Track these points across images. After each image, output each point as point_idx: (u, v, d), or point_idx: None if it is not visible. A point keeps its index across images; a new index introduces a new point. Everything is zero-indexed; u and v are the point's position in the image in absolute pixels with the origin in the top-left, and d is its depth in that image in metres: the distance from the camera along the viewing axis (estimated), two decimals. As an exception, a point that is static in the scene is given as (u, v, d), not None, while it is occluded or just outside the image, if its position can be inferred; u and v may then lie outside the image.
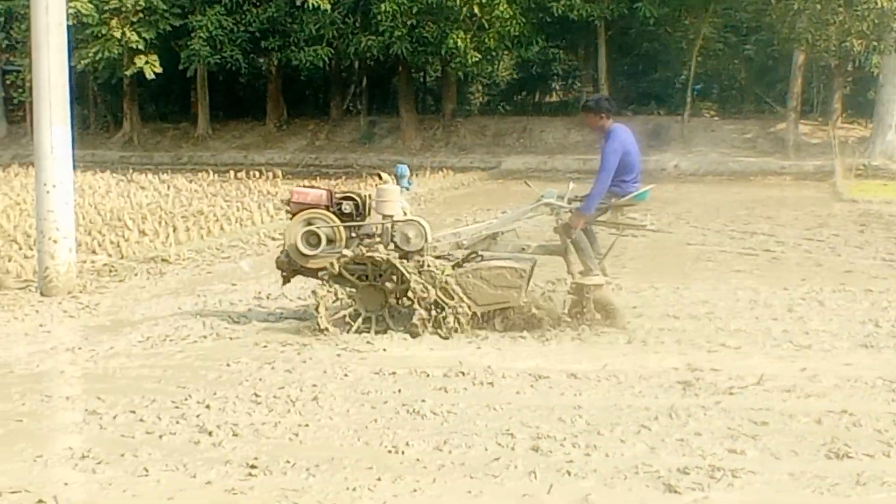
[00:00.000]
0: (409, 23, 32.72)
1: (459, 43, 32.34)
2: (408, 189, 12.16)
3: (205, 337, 10.93)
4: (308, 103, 41.15)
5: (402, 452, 7.23)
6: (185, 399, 8.57)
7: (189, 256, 16.14)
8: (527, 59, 39.52)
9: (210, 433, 7.70)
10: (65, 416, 8.32)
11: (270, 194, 25.06)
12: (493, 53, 35.38)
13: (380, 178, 11.75)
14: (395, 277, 10.63)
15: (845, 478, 6.84)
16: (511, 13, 32.35)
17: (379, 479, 6.72)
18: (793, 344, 10.61)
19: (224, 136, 40.27)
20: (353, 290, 10.79)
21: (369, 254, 10.56)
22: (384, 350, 10.26)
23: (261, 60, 37.02)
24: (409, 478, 6.74)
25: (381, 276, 10.66)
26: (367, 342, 10.54)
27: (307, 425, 7.87)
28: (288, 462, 7.04)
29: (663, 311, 11.97)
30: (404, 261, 10.60)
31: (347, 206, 11.29)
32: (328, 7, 32.49)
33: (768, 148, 35.37)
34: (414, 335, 10.56)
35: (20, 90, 40.59)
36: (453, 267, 10.89)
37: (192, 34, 35.21)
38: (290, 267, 11.48)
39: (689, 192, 27.21)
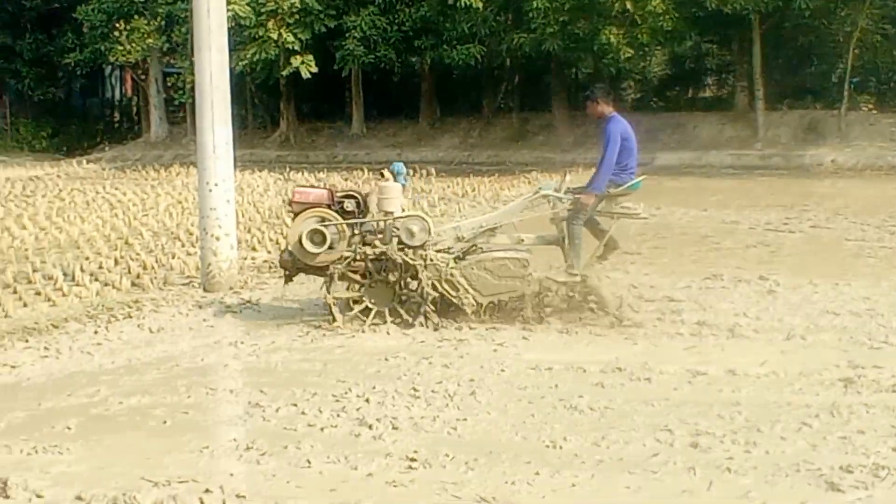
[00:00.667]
0: (560, 19, 32.55)
1: (612, 39, 32.09)
2: (404, 185, 12.11)
3: (363, 332, 11.03)
4: (460, 101, 41.15)
5: (560, 447, 7.21)
6: (345, 392, 8.67)
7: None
8: (679, 55, 39.19)
9: (370, 426, 7.77)
10: (229, 409, 8.48)
11: (424, 191, 25.19)
12: (646, 49, 35.11)
13: (388, 175, 11.55)
14: (398, 272, 10.95)
15: None
16: (664, 8, 31.97)
17: (537, 474, 6.71)
18: None
19: (378, 134, 40.52)
20: (361, 287, 11.17)
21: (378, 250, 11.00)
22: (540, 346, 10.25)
23: (413, 59, 37.20)
24: (567, 472, 6.72)
25: (384, 270, 10.97)
26: (524, 338, 10.53)
27: (465, 419, 7.89)
28: (447, 455, 7.07)
29: (822, 307, 11.68)
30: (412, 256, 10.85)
31: (349, 205, 11.44)
32: (480, 5, 32.49)
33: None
34: (408, 326, 10.93)
35: (181, 92, 41.22)
36: (455, 260, 11.03)
37: (347, 34, 35.52)
38: (294, 265, 11.62)
39: (847, 188, 26.57)
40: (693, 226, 18.70)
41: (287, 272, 11.87)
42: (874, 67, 40.81)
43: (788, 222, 18.90)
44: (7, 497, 6.56)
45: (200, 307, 12.51)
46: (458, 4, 32.44)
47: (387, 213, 11.23)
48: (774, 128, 36.23)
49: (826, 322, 10.89)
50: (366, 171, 31.14)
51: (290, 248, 11.50)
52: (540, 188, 11.81)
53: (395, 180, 11.85)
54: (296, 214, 11.53)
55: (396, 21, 35.52)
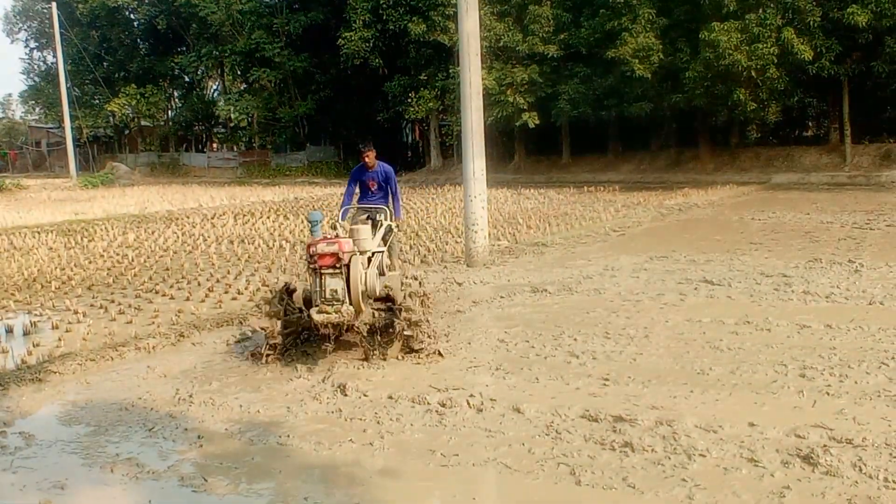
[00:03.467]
0: (705, 84, 31.76)
1: (741, 97, 31.10)
2: (315, 232, 9.37)
3: (572, 294, 11.03)
4: (635, 140, 40.52)
5: (707, 374, 7.09)
6: (560, 334, 8.72)
7: (559, 242, 16.28)
8: (789, 105, 37.47)
9: (577, 356, 7.81)
10: (484, 343, 8.62)
11: (609, 201, 24.91)
12: (765, 103, 33.78)
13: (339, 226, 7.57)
14: None
15: None
16: (778, 74, 30.75)
17: (691, 392, 6.64)
18: None
19: (580, 163, 40.33)
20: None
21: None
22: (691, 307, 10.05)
23: (603, 113, 36.87)
24: (712, 391, 6.64)
25: None
26: (681, 300, 10.35)
27: (641, 354, 7.84)
28: (629, 377, 7.07)
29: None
30: None
31: None
32: (649, 76, 31.99)
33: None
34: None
35: (449, 137, 42.90)
36: None
37: (559, 97, 35.54)
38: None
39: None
40: (799, 225, 17.91)
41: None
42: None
43: (870, 222, 17.88)
44: (345, 395, 6.89)
45: (465, 276, 12.72)
46: (634, 75, 31.98)
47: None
48: (859, 156, 34.32)
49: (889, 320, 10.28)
50: (571, 188, 31.00)
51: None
52: (381, 222, 9.87)
53: (312, 229, 9.58)
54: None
55: (592, 87, 35.26)
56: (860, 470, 5.01)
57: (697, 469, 5.15)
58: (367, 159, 10.44)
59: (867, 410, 6.10)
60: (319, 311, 7.49)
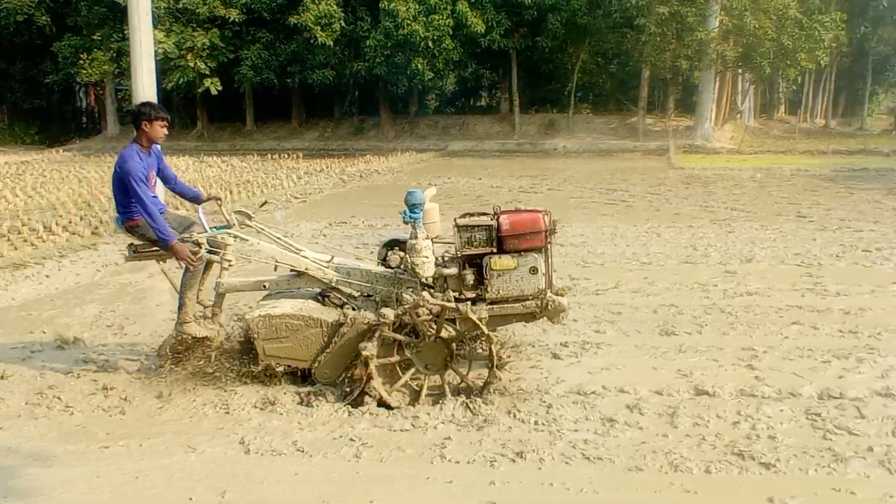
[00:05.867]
0: (385, 53, 32.45)
1: (419, 66, 32.12)
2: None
3: (249, 262, 10.79)
4: (319, 108, 40.66)
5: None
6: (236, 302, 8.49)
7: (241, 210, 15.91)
8: (464, 76, 39.30)
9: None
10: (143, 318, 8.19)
11: (292, 168, 24.83)
12: (442, 73, 35.18)
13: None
14: None
15: (672, 347, 6.94)
16: (453, 45, 32.11)
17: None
18: (639, 261, 10.69)
19: (264, 130, 39.88)
20: None
21: None
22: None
23: (287, 80, 36.55)
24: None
25: None
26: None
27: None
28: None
29: (555, 240, 11.92)
30: None
31: None
32: (331, 43, 32.14)
33: (625, 134, 35.38)
34: None
35: (127, 102, 40.76)
36: None
37: (242, 63, 34.80)
38: None
39: (572, 164, 27.18)
40: (472, 189, 18.91)
41: None
42: (591, 85, 41.79)
43: (534, 186, 19.25)
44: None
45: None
46: (316, 43, 31.98)
47: None
48: (526, 125, 36.81)
49: (558, 250, 11.09)
50: (255, 155, 30.59)
51: None
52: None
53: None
54: None
55: (275, 53, 34.85)
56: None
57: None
58: (162, 130, 6.42)
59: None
60: None
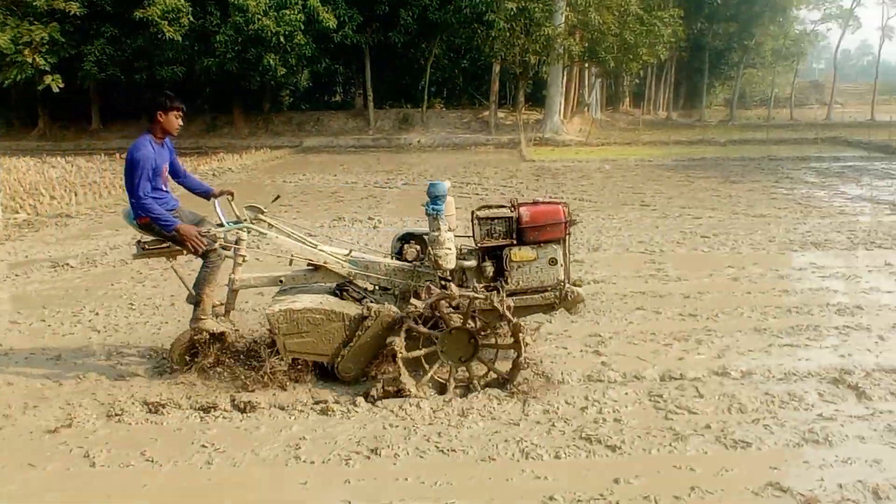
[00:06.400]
0: (236, 48, 31.77)
1: (271, 62, 31.64)
2: None
3: (96, 266, 10.44)
4: (169, 105, 39.43)
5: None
6: (81, 309, 8.21)
7: (85, 213, 15.34)
8: (318, 72, 38.91)
9: (98, 331, 7.41)
10: (-7, 327, 7.82)
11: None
12: (295, 69, 34.72)
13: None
14: None
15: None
16: (305, 41, 31.74)
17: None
18: (371, 249, 10.88)
19: (112, 129, 38.34)
20: None
21: None
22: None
23: (136, 77, 35.23)
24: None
25: None
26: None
27: (167, 323, 7.64)
28: (153, 349, 6.81)
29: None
30: None
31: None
32: (179, 38, 31.18)
33: (478, 128, 35.90)
34: None
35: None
36: None
37: (85, 59, 33.36)
38: None
39: (428, 159, 27.35)
40: (327, 186, 18.77)
41: None
42: (444, 80, 42.15)
43: (389, 182, 19.30)
44: None
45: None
46: (164, 37, 30.99)
47: None
48: (381, 120, 36.86)
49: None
50: (103, 155, 29.35)
51: None
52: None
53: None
54: None
55: (121, 49, 33.59)
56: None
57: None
58: (177, 121, 6.29)
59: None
60: None
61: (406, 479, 4.55)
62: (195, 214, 6.44)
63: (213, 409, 5.47)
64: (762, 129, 39.40)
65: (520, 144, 30.69)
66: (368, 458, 4.81)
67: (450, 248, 5.94)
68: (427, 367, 5.79)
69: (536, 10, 32.32)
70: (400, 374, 5.61)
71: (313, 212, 14.61)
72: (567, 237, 6.10)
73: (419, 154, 29.72)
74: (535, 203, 6.13)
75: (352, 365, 5.86)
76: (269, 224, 6.40)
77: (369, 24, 34.57)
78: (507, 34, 33.01)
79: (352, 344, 5.82)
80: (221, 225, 6.19)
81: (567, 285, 6.09)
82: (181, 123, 6.26)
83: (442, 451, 4.87)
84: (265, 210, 6.42)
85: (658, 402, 5.58)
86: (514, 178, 20.05)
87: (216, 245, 6.08)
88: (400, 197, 16.61)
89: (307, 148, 31.86)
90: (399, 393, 5.59)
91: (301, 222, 13.26)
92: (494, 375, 5.83)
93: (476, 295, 5.67)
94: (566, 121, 37.11)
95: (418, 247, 6.17)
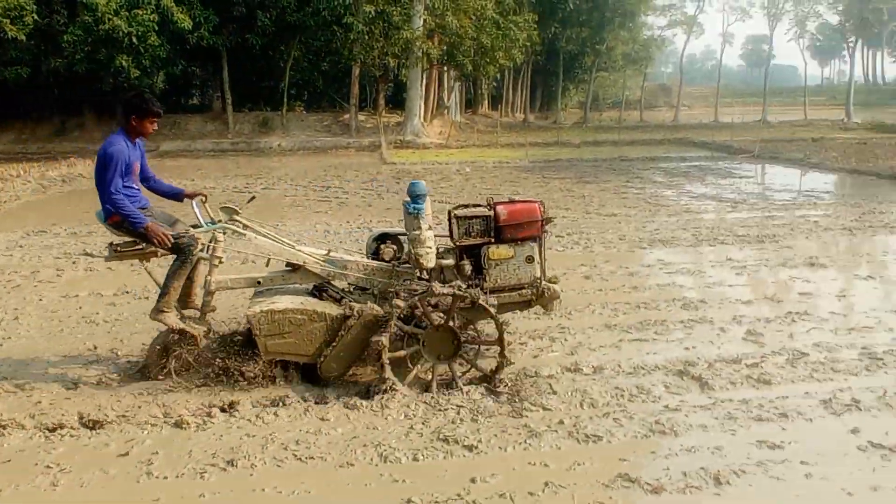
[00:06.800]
0: (86, 49, 30.51)
1: (124, 64, 30.53)
2: None
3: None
4: (15, 108, 37.44)
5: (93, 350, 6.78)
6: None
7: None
8: (174, 74, 37.85)
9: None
10: None
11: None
12: (150, 71, 33.63)
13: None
14: None
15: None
16: (160, 42, 30.77)
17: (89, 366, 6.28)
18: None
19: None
20: None
21: None
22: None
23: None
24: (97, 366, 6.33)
25: None
26: (58, 275, 9.79)
27: (10, 338, 7.29)
28: (-5, 365, 6.48)
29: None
30: None
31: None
32: (24, 38, 29.71)
33: (338, 131, 35.69)
34: None
35: None
36: None
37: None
38: None
39: (288, 162, 27.07)
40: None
41: None
42: (304, 83, 41.71)
43: (249, 186, 18.99)
44: None
45: None
46: (6, 37, 29.49)
47: None
48: (240, 123, 36.20)
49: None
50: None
51: None
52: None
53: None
54: None
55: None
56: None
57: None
58: (152, 126, 6.24)
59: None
60: None
61: (263, 490, 4.48)
62: (168, 215, 6.32)
63: (59, 429, 5.22)
64: (614, 130, 40.72)
65: (380, 147, 30.69)
66: (225, 469, 4.70)
67: (430, 247, 5.99)
68: (410, 365, 5.85)
69: (395, 13, 32.41)
70: (384, 373, 5.66)
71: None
72: (543, 235, 6.25)
73: (280, 158, 29.32)
74: (512, 202, 6.24)
75: (335, 364, 5.87)
76: (245, 225, 6.25)
77: (226, 26, 33.86)
78: (366, 37, 32.97)
79: (335, 344, 5.82)
80: (197, 226, 6.07)
81: (543, 282, 6.23)
82: (156, 128, 6.24)
83: (300, 458, 4.82)
84: (240, 211, 6.29)
85: (514, 400, 5.67)
86: (375, 181, 20.05)
87: (196, 248, 5.95)
88: (259, 201, 16.32)
89: (164, 152, 30.90)
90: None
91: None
92: (476, 372, 5.97)
93: (461, 293, 5.73)
94: (426, 123, 37.34)
95: (395, 246, 6.29)
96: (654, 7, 56.37)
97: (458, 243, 6.12)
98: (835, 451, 4.90)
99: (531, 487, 4.45)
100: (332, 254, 6.32)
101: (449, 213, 6.20)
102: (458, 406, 5.54)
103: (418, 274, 6.15)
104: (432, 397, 5.66)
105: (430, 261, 6.00)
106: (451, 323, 5.85)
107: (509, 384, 5.90)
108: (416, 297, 5.76)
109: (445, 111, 42.47)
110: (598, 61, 55.65)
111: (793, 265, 10.23)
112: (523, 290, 6.19)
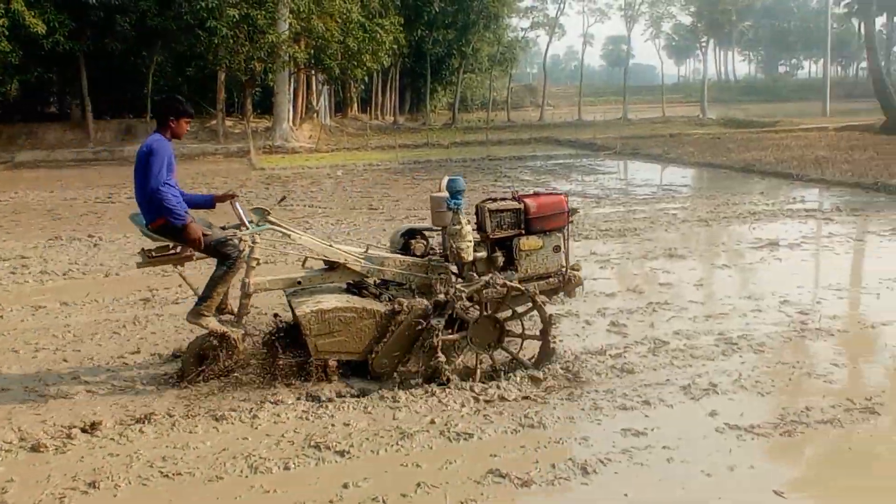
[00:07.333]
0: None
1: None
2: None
3: None
4: None
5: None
6: None
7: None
8: (28, 81, 36.22)
9: None
10: None
11: None
12: (2, 77, 32.06)
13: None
14: None
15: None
16: (11, 48, 29.35)
17: None
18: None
19: None
20: None
21: None
22: None
23: None
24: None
25: None
26: None
27: None
28: None
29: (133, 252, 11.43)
30: None
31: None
32: None
33: (206, 137, 34.78)
34: None
35: None
36: None
37: None
38: None
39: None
40: (42, 203, 17.51)
41: None
42: (169, 89, 40.55)
43: (111, 196, 18.31)
44: None
45: None
46: None
47: None
48: (102, 132, 34.91)
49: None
50: None
51: None
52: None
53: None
54: None
55: None
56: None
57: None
58: (186, 126, 6.21)
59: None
60: None
61: (127, 510, 4.33)
62: (203, 219, 6.21)
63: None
64: (482, 131, 41.16)
65: (249, 153, 30.17)
66: (86, 492, 4.51)
67: (470, 241, 6.23)
68: (455, 355, 6.05)
69: (259, 17, 31.86)
70: (438, 356, 5.82)
71: (26, 232, 13.58)
72: (568, 226, 6.51)
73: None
74: (537, 195, 6.48)
75: (386, 360, 5.98)
76: (277, 226, 6.22)
77: (83, 31, 32.57)
78: (231, 41, 32.29)
79: (385, 340, 5.94)
80: (239, 226, 6.07)
81: (569, 270, 6.51)
82: (188, 129, 6.24)
83: (167, 475, 4.67)
84: (271, 212, 6.23)
85: (388, 402, 5.65)
86: (244, 188, 19.70)
87: (243, 251, 6.00)
88: (122, 211, 15.77)
89: (20, 163, 29.46)
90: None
91: (11, 244, 12.30)
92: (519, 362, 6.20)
93: (513, 284, 6.02)
94: (296, 128, 36.92)
95: (424, 242, 6.51)
96: (517, 9, 57.38)
97: (491, 236, 6.32)
98: (694, 434, 5.09)
99: (404, 489, 4.45)
100: (370, 251, 6.42)
101: (478, 207, 6.39)
102: (330, 411, 5.49)
103: (452, 268, 6.39)
104: (306, 405, 5.60)
105: (469, 254, 6.24)
106: (499, 314, 6.15)
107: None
108: (474, 288, 5.97)
109: (315, 115, 42.10)
110: (465, 63, 56.20)
111: (653, 257, 10.59)
112: (550, 279, 6.45)
